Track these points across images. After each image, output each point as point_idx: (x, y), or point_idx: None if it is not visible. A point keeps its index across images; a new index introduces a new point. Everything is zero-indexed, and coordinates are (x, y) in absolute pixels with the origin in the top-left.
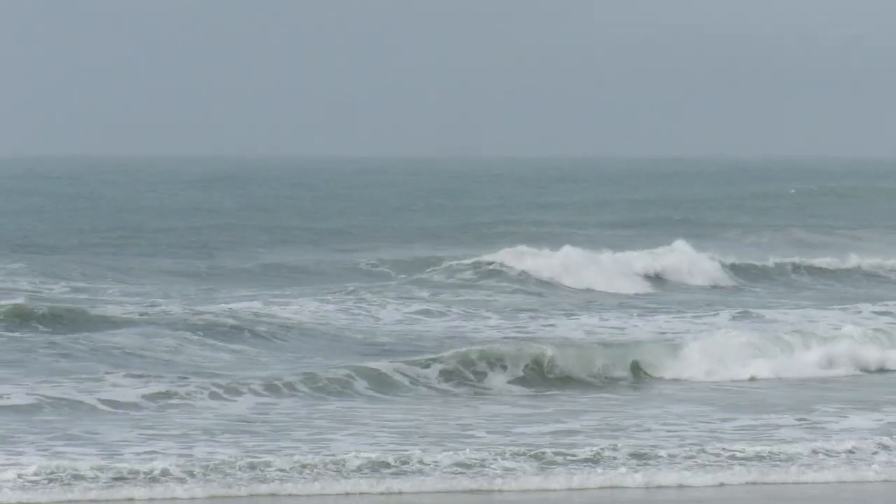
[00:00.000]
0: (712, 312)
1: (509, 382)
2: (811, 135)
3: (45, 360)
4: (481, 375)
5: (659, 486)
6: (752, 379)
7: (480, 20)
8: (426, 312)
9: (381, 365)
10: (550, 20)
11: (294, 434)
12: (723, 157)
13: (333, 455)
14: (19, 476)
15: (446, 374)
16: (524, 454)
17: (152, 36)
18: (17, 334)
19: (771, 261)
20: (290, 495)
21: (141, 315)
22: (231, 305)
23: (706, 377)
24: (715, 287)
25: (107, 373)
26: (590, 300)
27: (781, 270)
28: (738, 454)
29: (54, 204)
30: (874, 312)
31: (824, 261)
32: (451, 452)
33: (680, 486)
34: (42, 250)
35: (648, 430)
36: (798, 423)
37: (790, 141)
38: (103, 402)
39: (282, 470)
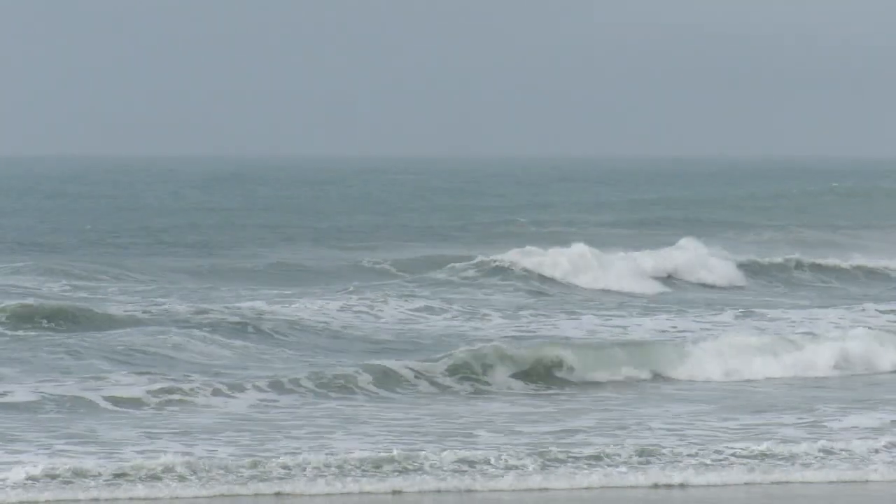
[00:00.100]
0: (729, 312)
1: (512, 382)
2: (811, 135)
3: (50, 359)
4: (486, 375)
5: (661, 486)
6: (768, 379)
7: (480, 20)
8: (435, 311)
9: (390, 364)
10: (550, 20)
11: (298, 432)
12: (723, 157)
13: (337, 454)
14: (28, 477)
15: (454, 374)
16: (527, 453)
17: (152, 36)
18: (20, 332)
19: (782, 258)
20: (292, 494)
21: (144, 313)
22: (236, 304)
23: (725, 377)
24: (732, 287)
25: (111, 371)
26: (606, 300)
27: (789, 268)
28: (740, 454)
29: (55, 203)
30: (878, 311)
31: (833, 260)
32: (453, 451)
33: (682, 486)
34: (43, 250)
35: (650, 429)
36: (800, 422)
37: (790, 141)
38: (108, 400)
39: (286, 468)
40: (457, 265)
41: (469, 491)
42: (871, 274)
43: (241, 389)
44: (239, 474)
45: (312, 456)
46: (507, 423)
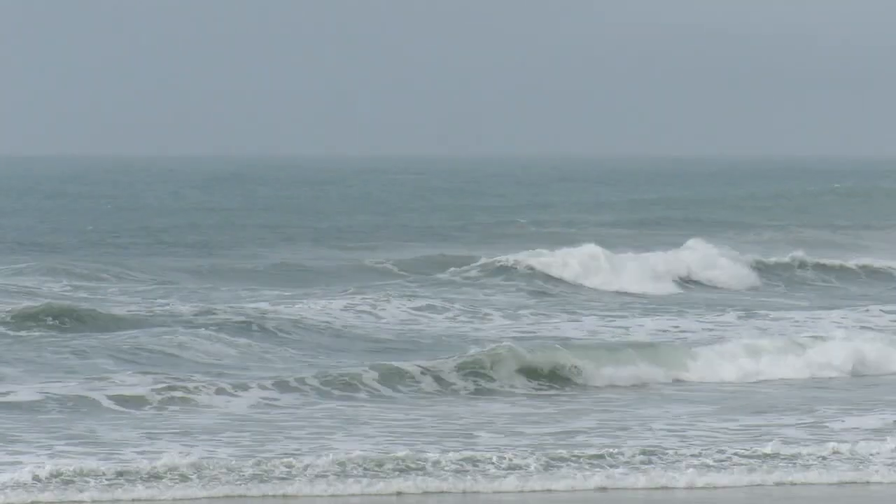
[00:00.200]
0: (744, 314)
1: (516, 382)
2: (811, 135)
3: (55, 359)
4: (498, 378)
5: (663, 487)
6: (780, 380)
7: (480, 20)
8: (441, 311)
9: (401, 365)
10: (550, 20)
11: (300, 433)
12: (723, 157)
13: (342, 454)
14: (34, 477)
15: (468, 375)
16: (529, 454)
17: (152, 36)
18: (23, 333)
19: (788, 258)
20: (296, 496)
21: (148, 313)
22: (239, 304)
23: (744, 378)
24: (744, 288)
25: (116, 371)
26: (620, 302)
27: (793, 268)
28: (741, 455)
29: (55, 203)
30: (882, 311)
31: (838, 260)
32: (457, 452)
33: (683, 488)
34: (43, 250)
35: (651, 430)
36: (801, 423)
37: (790, 141)
38: (113, 399)
39: (289, 468)
40: (466, 266)
41: (472, 492)
42: (875, 274)
43: (247, 389)
44: (241, 474)
45: (311, 458)
46: (507, 424)
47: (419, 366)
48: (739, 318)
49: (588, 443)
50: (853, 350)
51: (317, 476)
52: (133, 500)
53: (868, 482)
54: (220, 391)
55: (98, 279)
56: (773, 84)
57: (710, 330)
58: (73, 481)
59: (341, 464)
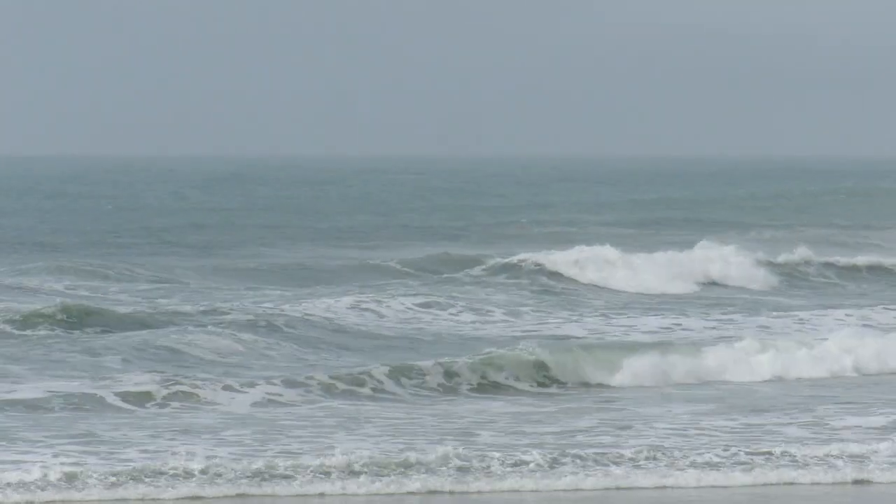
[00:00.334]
0: (763, 313)
1: (520, 381)
2: (811, 135)
3: (64, 357)
4: (492, 377)
5: (664, 487)
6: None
7: (480, 20)
8: (454, 310)
9: (418, 363)
10: (550, 20)
11: (302, 433)
12: (723, 157)
13: (347, 454)
14: (42, 477)
15: (468, 375)
16: (531, 454)
17: (152, 36)
18: (27, 332)
19: (799, 257)
20: (299, 495)
21: (154, 312)
22: (247, 304)
23: (771, 378)
24: (768, 288)
25: (123, 370)
26: (642, 301)
27: (801, 267)
28: (742, 454)
29: (55, 204)
30: (885, 308)
31: (854, 259)
32: (460, 453)
33: (685, 487)
34: (45, 249)
35: (653, 429)
36: (801, 423)
37: (790, 141)
38: (120, 398)
39: (296, 468)
40: (479, 265)
41: (471, 493)
42: (883, 272)
43: (255, 387)
44: (248, 474)
45: (312, 457)
46: (509, 424)
47: (440, 363)
48: (756, 317)
49: (590, 442)
50: (866, 348)
51: (321, 476)
52: (135, 499)
53: (869, 482)
54: (227, 388)
55: (103, 278)
56: (773, 84)
57: (729, 329)
58: (76, 480)
59: (346, 463)
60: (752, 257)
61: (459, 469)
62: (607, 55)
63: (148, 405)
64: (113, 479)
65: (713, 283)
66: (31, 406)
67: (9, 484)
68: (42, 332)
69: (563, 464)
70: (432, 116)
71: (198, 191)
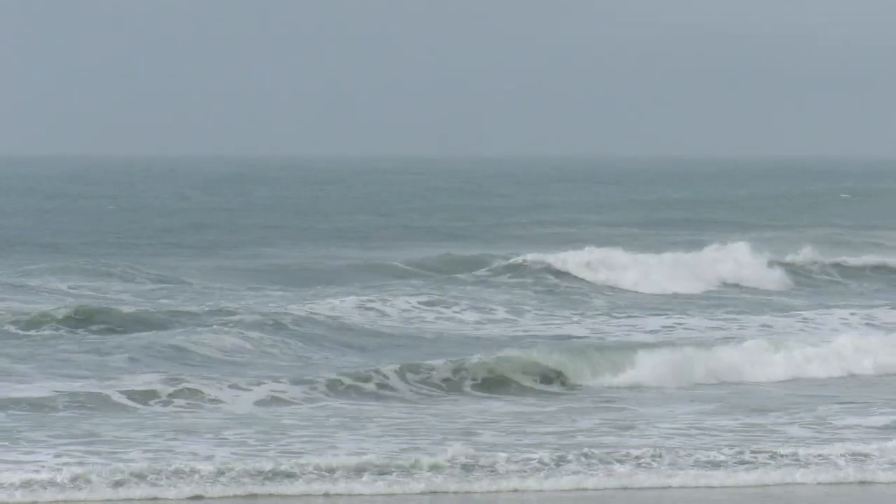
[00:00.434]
0: (785, 312)
1: (523, 383)
2: (811, 135)
3: (71, 357)
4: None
5: (666, 487)
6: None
7: (480, 20)
8: (469, 311)
9: (427, 363)
10: (550, 20)
11: (314, 432)
12: (723, 157)
13: (350, 454)
14: (49, 478)
15: (477, 376)
16: (534, 454)
17: (152, 36)
18: (31, 332)
19: (806, 258)
20: (304, 494)
21: (162, 311)
22: (254, 304)
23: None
24: (783, 288)
25: (129, 370)
26: (658, 302)
27: (808, 267)
28: (744, 454)
29: (56, 204)
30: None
31: (864, 259)
32: (464, 452)
33: (686, 487)
34: (47, 250)
35: (656, 429)
36: (802, 422)
37: (790, 141)
38: (126, 397)
39: (301, 467)
40: (490, 265)
41: (475, 492)
42: (887, 271)
43: (265, 389)
44: (253, 474)
45: (317, 457)
46: (513, 423)
47: (448, 363)
48: (775, 318)
49: (593, 442)
50: (882, 348)
51: (326, 475)
52: (139, 499)
53: (870, 482)
54: (233, 387)
55: (107, 279)
56: (773, 84)
57: (735, 329)
58: (80, 480)
59: (348, 463)
60: (765, 258)
61: (464, 469)
62: (607, 55)
63: (154, 404)
64: (117, 478)
65: (727, 285)
66: (37, 405)
67: (13, 484)
68: (48, 332)
69: (567, 463)
70: (432, 116)
71: (198, 191)
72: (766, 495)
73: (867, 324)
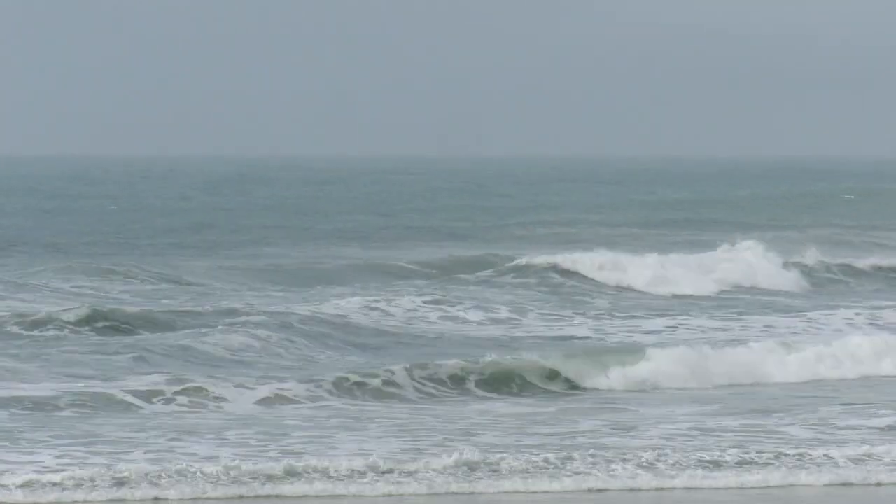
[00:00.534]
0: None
1: (529, 384)
2: (811, 135)
3: (72, 358)
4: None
5: (667, 488)
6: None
7: (480, 20)
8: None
9: (437, 363)
10: (550, 20)
11: (319, 432)
12: (723, 157)
13: (353, 455)
14: (50, 478)
15: (483, 379)
16: (535, 455)
17: (152, 36)
18: (35, 332)
19: (813, 260)
20: (306, 496)
21: (162, 311)
22: (260, 303)
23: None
24: (799, 290)
25: (135, 370)
26: (672, 304)
27: (814, 268)
28: (745, 455)
29: (57, 204)
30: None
31: (870, 260)
32: (463, 454)
33: (688, 489)
34: (49, 250)
35: (657, 429)
36: (804, 423)
37: (790, 141)
38: (130, 398)
39: (304, 468)
40: (497, 266)
41: (477, 493)
42: (891, 271)
43: (271, 388)
44: (256, 475)
45: (320, 458)
46: (514, 425)
47: (460, 363)
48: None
49: (593, 443)
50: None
51: (329, 475)
52: (142, 500)
53: (874, 483)
54: (239, 386)
55: (110, 279)
56: (773, 84)
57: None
58: (83, 481)
59: (350, 464)
60: (780, 259)
61: (466, 470)
62: (607, 55)
63: (158, 404)
64: (119, 478)
65: (741, 287)
66: (40, 405)
67: (15, 484)
68: (52, 333)
69: (569, 464)
70: (432, 116)
71: (199, 191)
72: (768, 496)
73: (871, 324)
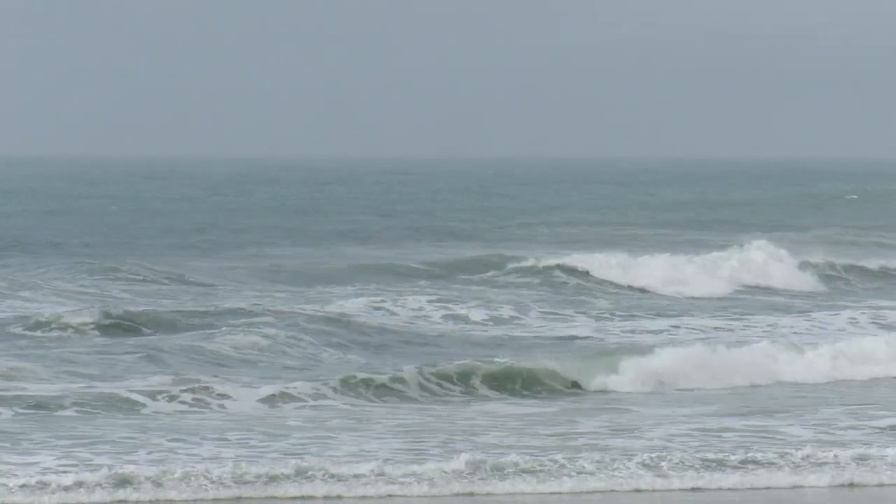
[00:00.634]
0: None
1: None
2: (811, 135)
3: (76, 358)
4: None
5: (668, 489)
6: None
7: (481, 20)
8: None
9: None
10: (550, 20)
11: (322, 433)
12: (723, 157)
13: (356, 455)
14: (53, 480)
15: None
16: (537, 456)
17: (152, 36)
18: (39, 333)
19: (822, 259)
20: (310, 496)
21: (168, 312)
22: (266, 303)
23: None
24: (812, 291)
25: (138, 371)
26: (685, 304)
27: (823, 268)
28: (746, 456)
29: (58, 204)
30: None
31: (874, 261)
32: (466, 455)
33: (690, 489)
34: (51, 251)
35: (657, 430)
36: (806, 424)
37: (790, 141)
38: (135, 398)
39: (308, 468)
40: (499, 267)
41: (480, 493)
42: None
43: (276, 388)
44: (258, 475)
45: (323, 459)
46: (515, 426)
47: (463, 364)
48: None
49: (594, 444)
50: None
51: (332, 477)
52: (144, 500)
53: (877, 484)
54: (246, 386)
55: (113, 279)
56: (773, 84)
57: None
58: (85, 481)
59: (352, 465)
60: (795, 260)
61: (469, 471)
62: (607, 56)
63: (162, 403)
64: (121, 479)
65: (756, 287)
66: (43, 406)
67: (16, 486)
68: (56, 333)
69: (570, 465)
70: (432, 116)
71: (200, 191)
72: (770, 497)
73: (873, 323)
